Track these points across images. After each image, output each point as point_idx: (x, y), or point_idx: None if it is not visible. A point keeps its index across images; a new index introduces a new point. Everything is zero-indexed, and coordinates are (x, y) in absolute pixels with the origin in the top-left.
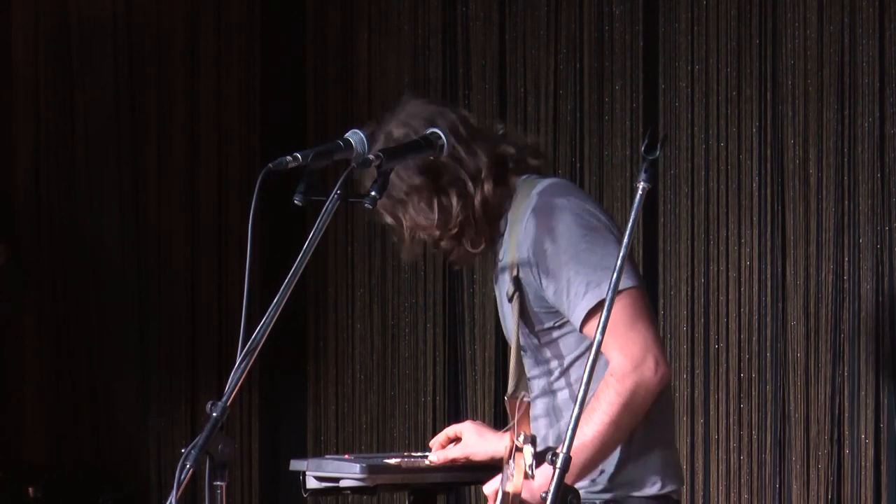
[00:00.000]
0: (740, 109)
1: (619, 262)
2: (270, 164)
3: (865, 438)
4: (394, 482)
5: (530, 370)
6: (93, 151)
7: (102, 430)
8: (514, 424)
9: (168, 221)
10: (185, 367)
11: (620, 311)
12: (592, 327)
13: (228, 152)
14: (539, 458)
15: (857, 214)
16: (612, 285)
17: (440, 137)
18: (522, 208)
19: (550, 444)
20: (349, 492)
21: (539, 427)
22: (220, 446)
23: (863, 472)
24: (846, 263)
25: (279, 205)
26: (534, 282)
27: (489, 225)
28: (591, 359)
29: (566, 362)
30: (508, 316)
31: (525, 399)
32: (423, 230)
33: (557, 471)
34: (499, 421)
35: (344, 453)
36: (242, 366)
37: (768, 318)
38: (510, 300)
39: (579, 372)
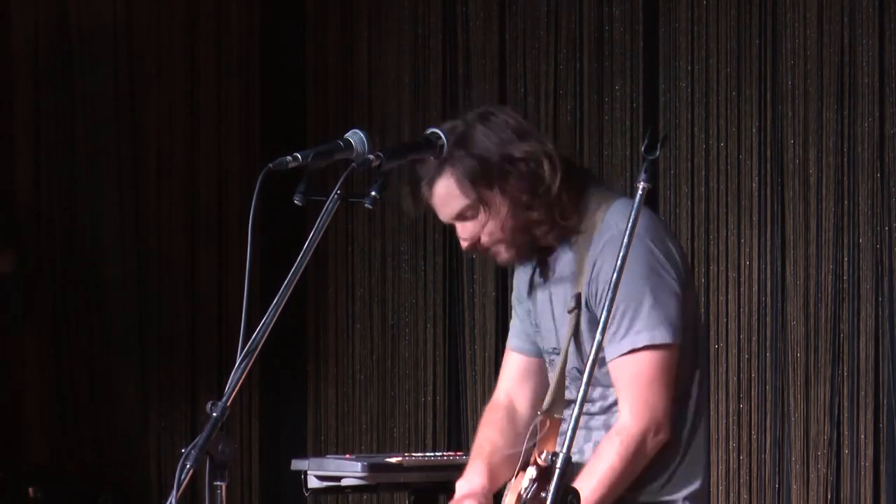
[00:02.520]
0: (740, 109)
1: (614, 276)
2: (271, 164)
3: (865, 439)
4: (395, 481)
5: (575, 392)
6: (93, 152)
7: (102, 430)
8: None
9: (168, 221)
10: (185, 367)
11: (646, 366)
12: (617, 370)
13: (228, 152)
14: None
15: (857, 214)
16: (612, 282)
17: (440, 137)
18: (598, 224)
19: (586, 458)
20: (350, 490)
21: (577, 439)
22: (220, 446)
23: (862, 473)
24: (846, 263)
25: (279, 205)
26: (595, 307)
27: (567, 210)
28: (591, 359)
29: (612, 392)
30: (561, 328)
31: (557, 417)
32: (511, 211)
33: (557, 471)
34: None
35: (344, 453)
36: (243, 366)
37: (768, 319)
38: (569, 312)
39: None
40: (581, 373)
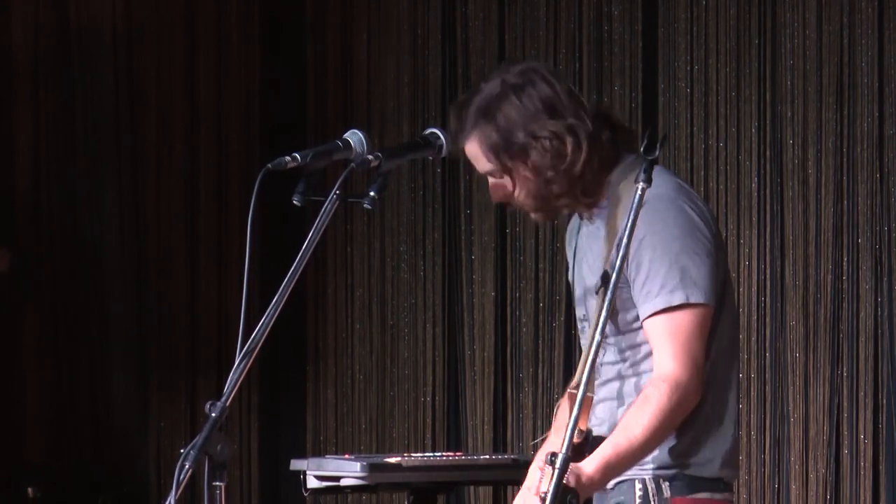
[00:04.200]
0: (740, 109)
1: (620, 255)
2: (270, 165)
3: (864, 439)
4: (394, 481)
5: (606, 356)
6: (93, 151)
7: (102, 430)
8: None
9: (168, 221)
10: (185, 367)
11: (687, 322)
12: (652, 326)
13: (228, 152)
14: (593, 446)
15: (856, 214)
16: (616, 268)
17: (439, 138)
18: (623, 197)
19: (611, 425)
20: (350, 490)
21: (604, 408)
22: (219, 446)
23: (861, 473)
24: (845, 264)
25: (279, 205)
26: (626, 272)
27: (591, 188)
28: (592, 356)
29: (642, 352)
30: (590, 300)
31: (589, 395)
32: (533, 181)
33: (557, 471)
34: (498, 419)
35: (343, 453)
36: (242, 366)
37: (767, 319)
38: (596, 292)
39: (650, 363)
40: (608, 335)
